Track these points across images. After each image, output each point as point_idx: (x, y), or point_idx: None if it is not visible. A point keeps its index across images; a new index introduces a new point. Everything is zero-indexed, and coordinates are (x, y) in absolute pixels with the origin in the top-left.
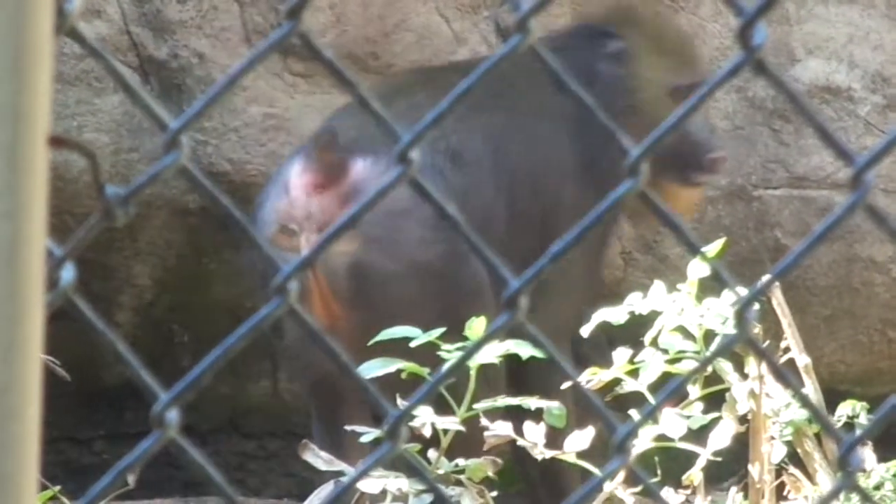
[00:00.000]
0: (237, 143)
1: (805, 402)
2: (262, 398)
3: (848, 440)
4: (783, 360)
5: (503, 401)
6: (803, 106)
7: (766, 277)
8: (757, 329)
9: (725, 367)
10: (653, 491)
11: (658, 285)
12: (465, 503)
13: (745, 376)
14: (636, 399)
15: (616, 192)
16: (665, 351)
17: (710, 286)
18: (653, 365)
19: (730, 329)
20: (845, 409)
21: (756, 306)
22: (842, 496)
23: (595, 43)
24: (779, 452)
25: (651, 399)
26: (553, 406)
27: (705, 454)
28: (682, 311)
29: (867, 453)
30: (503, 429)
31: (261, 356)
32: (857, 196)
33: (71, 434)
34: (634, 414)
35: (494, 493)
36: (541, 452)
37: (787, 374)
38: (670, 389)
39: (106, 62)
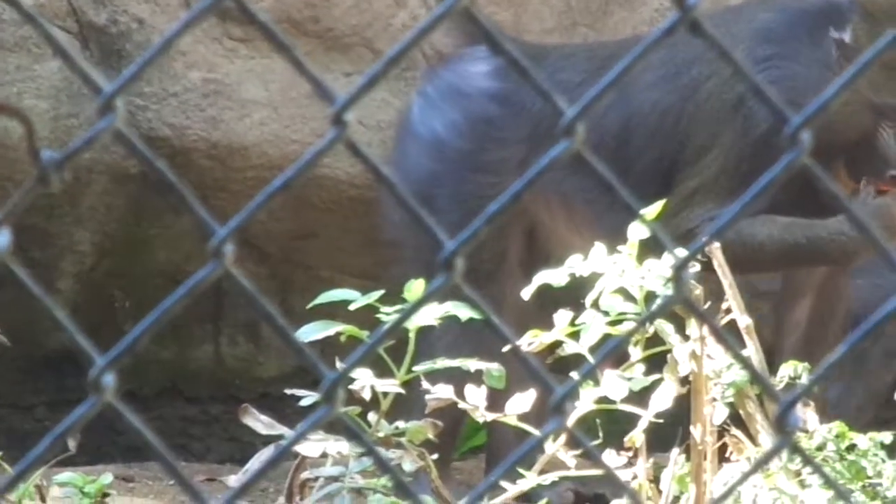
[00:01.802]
0: (177, 109)
1: (744, 363)
2: (204, 363)
3: (785, 400)
4: (725, 321)
5: (442, 362)
6: (737, 64)
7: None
8: (698, 290)
9: (667, 328)
10: (593, 454)
11: (599, 247)
12: (405, 466)
13: (686, 338)
14: (579, 361)
15: (551, 153)
16: (606, 313)
17: (652, 248)
18: (594, 327)
19: (670, 291)
20: (787, 369)
21: (695, 267)
22: (784, 457)
23: (831, 20)
24: (721, 414)
25: (590, 359)
26: (493, 368)
27: (647, 416)
28: (622, 272)
29: (809, 414)
30: (444, 391)
31: (204, 320)
32: (793, 155)
33: (12, 401)
34: (575, 376)
35: (435, 456)
36: (482, 415)
37: (724, 335)
38: (607, 349)
39: (41, 28)
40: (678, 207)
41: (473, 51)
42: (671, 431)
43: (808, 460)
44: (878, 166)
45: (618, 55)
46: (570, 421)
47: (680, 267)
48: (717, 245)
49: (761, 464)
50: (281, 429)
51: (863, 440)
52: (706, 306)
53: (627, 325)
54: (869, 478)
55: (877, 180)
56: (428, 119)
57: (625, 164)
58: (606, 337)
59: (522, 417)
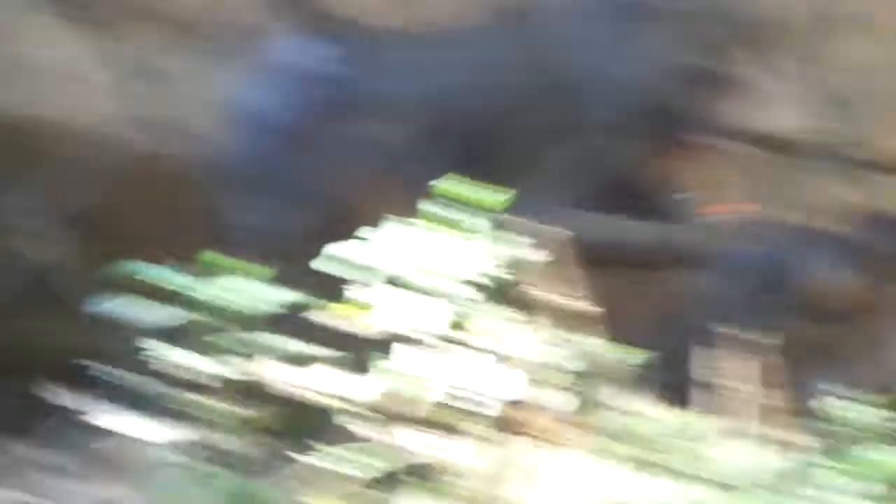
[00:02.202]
0: None
1: None
2: None
3: None
4: (573, 309)
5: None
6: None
7: None
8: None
9: None
10: None
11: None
12: (235, 448)
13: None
14: None
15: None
16: None
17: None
18: None
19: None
20: None
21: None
22: None
23: None
24: None
25: None
26: None
27: None
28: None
29: None
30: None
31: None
32: None
33: None
34: None
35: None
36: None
37: None
38: None
39: None
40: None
41: (300, 29)
42: None
43: None
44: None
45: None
46: None
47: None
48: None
49: None
50: (73, 400)
51: None
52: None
53: None
54: None
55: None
56: (259, 96)
57: (472, 145)
58: None
59: None
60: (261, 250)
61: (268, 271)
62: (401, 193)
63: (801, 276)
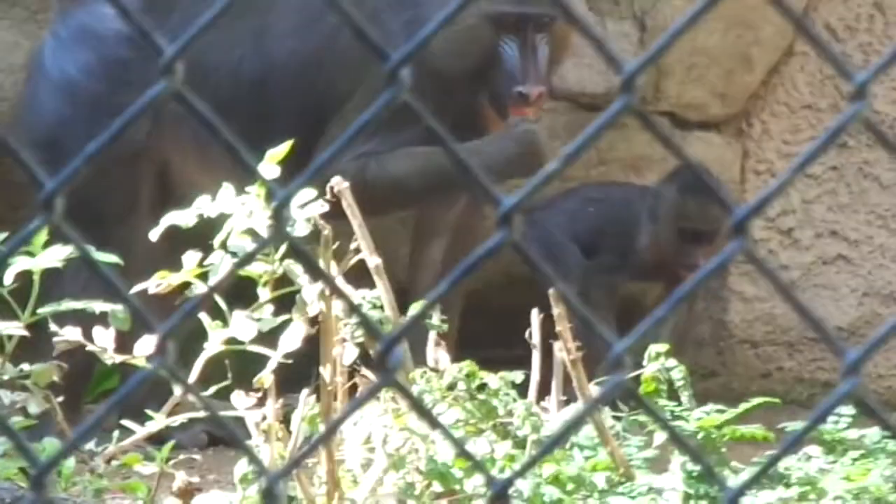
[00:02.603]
0: None
1: (355, 310)
2: None
3: (386, 339)
4: (355, 260)
5: (67, 304)
6: (337, 4)
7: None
8: (327, 231)
9: (296, 269)
10: (192, 391)
11: (227, 187)
12: (30, 409)
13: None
14: None
15: (149, 92)
16: (234, 254)
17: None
18: (222, 268)
19: (300, 231)
20: (416, 308)
21: (321, 206)
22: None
23: None
24: (351, 354)
25: (221, 303)
26: (118, 310)
27: (276, 357)
28: (251, 213)
29: (441, 353)
30: (72, 333)
31: None
32: (391, 92)
33: None
34: (204, 317)
35: (61, 399)
36: (111, 357)
37: (328, 277)
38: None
39: None
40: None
41: None
42: (303, 372)
43: (409, 397)
44: (506, 85)
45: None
46: (200, 362)
47: (280, 206)
48: (345, 185)
49: (361, 402)
50: None
51: (493, 379)
52: (334, 246)
53: (256, 266)
54: (500, 417)
55: (508, 103)
56: (60, 61)
57: (266, 113)
58: (237, 278)
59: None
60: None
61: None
62: (214, 158)
63: (622, 233)
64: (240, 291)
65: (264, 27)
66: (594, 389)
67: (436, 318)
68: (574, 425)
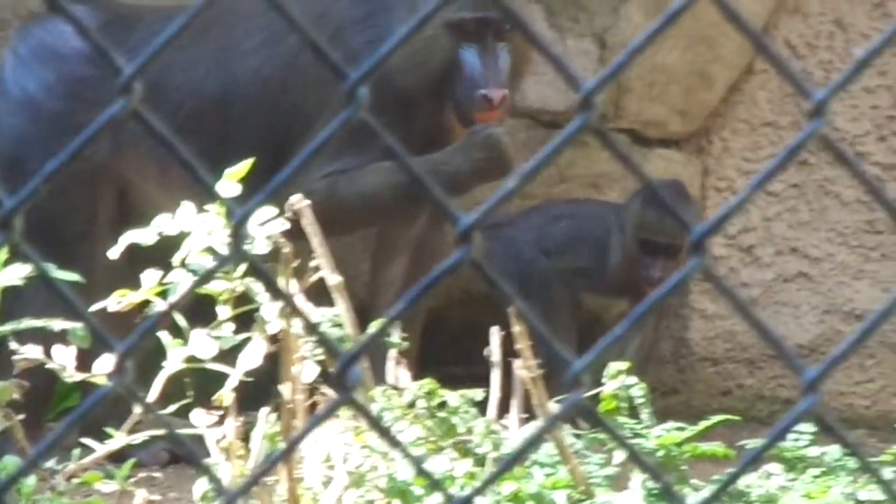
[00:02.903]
0: None
1: (313, 329)
2: None
3: (344, 356)
4: (315, 278)
5: (27, 323)
6: (295, 23)
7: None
8: (287, 248)
9: (256, 287)
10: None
11: (187, 206)
12: None
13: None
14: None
15: (107, 112)
16: (194, 272)
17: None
18: (182, 286)
19: (260, 248)
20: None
21: (283, 224)
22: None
23: None
24: (311, 372)
25: (181, 321)
26: (78, 327)
27: (236, 375)
28: (210, 231)
29: (402, 372)
30: (32, 351)
31: None
32: (349, 111)
33: None
34: (164, 335)
35: (22, 416)
36: (70, 375)
37: (287, 295)
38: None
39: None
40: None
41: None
42: (263, 390)
43: (367, 415)
44: (468, 91)
45: (221, 17)
46: (160, 380)
47: (238, 224)
48: (305, 203)
49: (320, 420)
50: None
51: (453, 397)
52: (294, 264)
53: (216, 285)
54: (460, 434)
55: (472, 108)
56: (20, 78)
57: (229, 133)
58: (196, 296)
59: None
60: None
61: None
62: (174, 177)
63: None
64: (200, 310)
65: (228, 46)
66: (554, 407)
67: (396, 335)
68: (533, 443)
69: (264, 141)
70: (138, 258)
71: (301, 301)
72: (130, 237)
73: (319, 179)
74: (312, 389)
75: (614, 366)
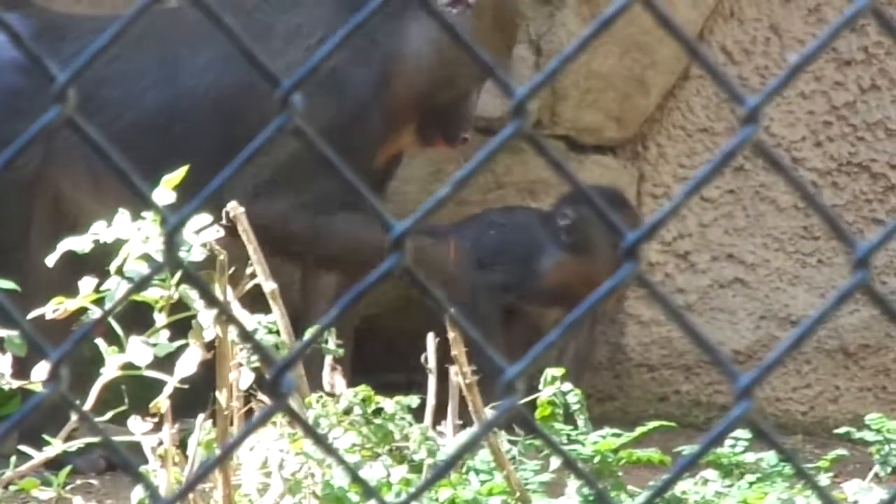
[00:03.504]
0: None
1: (248, 337)
2: None
3: (277, 364)
4: (251, 285)
5: None
6: (232, 32)
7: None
8: (223, 255)
9: (192, 294)
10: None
11: (123, 214)
12: None
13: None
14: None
15: (42, 119)
16: (131, 279)
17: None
18: (118, 293)
19: (195, 256)
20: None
21: (218, 232)
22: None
23: None
24: (247, 379)
25: (117, 328)
26: (14, 335)
27: (172, 382)
28: (146, 239)
29: (337, 378)
30: None
31: None
32: (283, 119)
33: None
34: (100, 342)
35: None
36: (8, 383)
37: (222, 302)
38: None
39: None
40: (255, 194)
41: None
42: (199, 397)
43: (301, 422)
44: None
45: (156, 27)
46: (97, 388)
47: (171, 231)
48: (241, 210)
49: (254, 427)
50: None
51: (389, 404)
52: (230, 271)
53: (152, 292)
54: (396, 441)
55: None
56: None
57: (172, 146)
58: (133, 304)
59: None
60: None
61: None
62: (107, 186)
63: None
64: (136, 317)
65: (174, 60)
66: (490, 413)
67: (332, 342)
68: (469, 449)
69: (208, 156)
70: (75, 266)
71: (236, 308)
72: (67, 245)
73: (299, 211)
74: (248, 396)
75: (550, 372)
